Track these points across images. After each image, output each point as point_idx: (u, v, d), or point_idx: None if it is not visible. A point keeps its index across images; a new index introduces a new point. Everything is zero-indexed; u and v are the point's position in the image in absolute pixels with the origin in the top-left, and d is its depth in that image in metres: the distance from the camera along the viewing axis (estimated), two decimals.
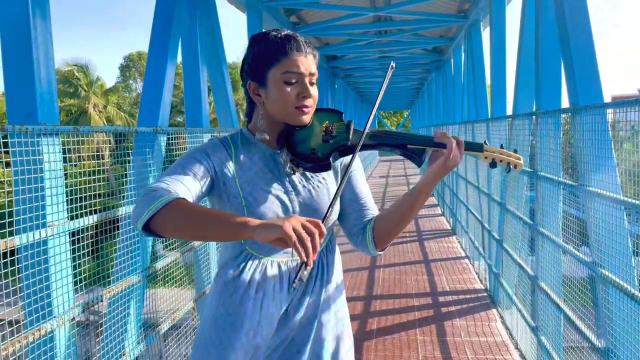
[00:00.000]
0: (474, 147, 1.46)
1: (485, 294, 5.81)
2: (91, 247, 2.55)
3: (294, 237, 1.08)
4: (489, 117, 6.45)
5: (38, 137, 2.12)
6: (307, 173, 1.48)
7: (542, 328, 3.74)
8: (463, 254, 7.74)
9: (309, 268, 1.09)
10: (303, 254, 1.08)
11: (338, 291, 1.57)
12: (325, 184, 1.51)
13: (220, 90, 4.57)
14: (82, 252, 2.43)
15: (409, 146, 1.45)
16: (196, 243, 3.70)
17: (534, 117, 3.93)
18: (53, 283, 2.23)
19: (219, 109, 4.69)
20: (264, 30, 1.47)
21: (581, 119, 2.83)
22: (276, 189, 1.44)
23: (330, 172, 1.53)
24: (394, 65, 1.47)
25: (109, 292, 2.61)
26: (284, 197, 1.44)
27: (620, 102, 2.66)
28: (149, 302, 3.21)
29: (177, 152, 3.51)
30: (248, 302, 1.43)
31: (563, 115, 3.37)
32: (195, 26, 3.98)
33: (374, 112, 1.43)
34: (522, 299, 4.41)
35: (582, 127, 2.82)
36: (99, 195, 2.55)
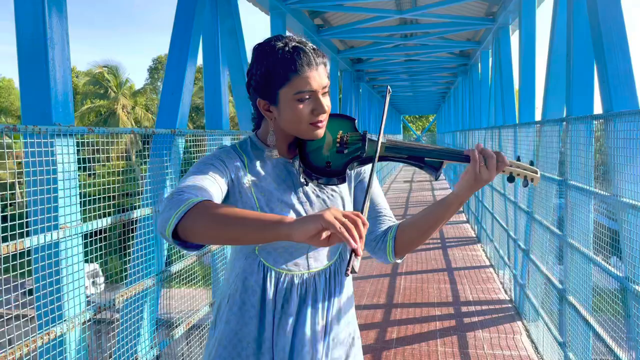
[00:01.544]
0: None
1: (510, 305, 5.63)
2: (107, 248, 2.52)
3: (338, 225, 1.00)
4: (517, 122, 6.28)
5: (52, 138, 2.10)
6: (321, 184, 1.42)
7: (569, 344, 3.58)
8: (487, 263, 7.55)
9: (359, 258, 1.02)
10: (352, 241, 1.00)
11: (349, 302, 1.53)
12: (339, 192, 1.46)
13: (241, 92, 4.53)
14: (102, 251, 2.40)
15: (426, 159, 1.38)
16: (213, 247, 3.66)
17: (564, 123, 3.78)
18: (64, 286, 2.20)
19: (240, 111, 4.66)
20: (268, 38, 1.35)
21: (615, 126, 2.69)
22: (291, 199, 1.38)
23: None
24: (390, 90, 1.41)
25: (122, 295, 2.58)
26: (299, 208, 1.39)
27: None
28: (162, 300, 3.18)
29: (197, 155, 3.48)
30: (265, 316, 1.38)
31: (595, 122, 3.22)
32: (216, 27, 3.94)
33: (382, 133, 1.34)
34: (549, 312, 4.25)
35: (616, 134, 2.68)
36: (124, 195, 2.53)
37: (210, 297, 3.80)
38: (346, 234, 1.00)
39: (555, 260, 4.09)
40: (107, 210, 2.50)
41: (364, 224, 1.03)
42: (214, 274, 3.84)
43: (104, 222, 2.41)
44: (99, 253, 2.44)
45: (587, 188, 3.18)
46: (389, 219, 1.48)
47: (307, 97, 1.29)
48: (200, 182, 1.23)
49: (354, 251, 1.02)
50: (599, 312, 3.13)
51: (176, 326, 3.12)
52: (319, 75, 1.29)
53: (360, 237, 1.01)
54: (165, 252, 3.07)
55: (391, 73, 14.32)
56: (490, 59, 8.98)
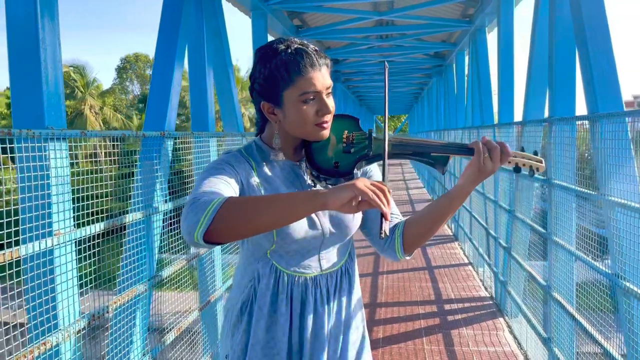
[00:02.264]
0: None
1: (491, 302, 5.73)
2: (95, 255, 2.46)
3: (370, 192, 1.10)
4: (495, 123, 6.39)
5: (45, 142, 2.04)
6: (329, 184, 1.42)
7: (554, 339, 3.66)
8: (466, 261, 7.66)
9: (388, 222, 1.13)
10: (382, 206, 1.10)
11: (359, 303, 1.55)
12: None
13: (226, 93, 4.49)
14: (88, 260, 2.34)
15: (432, 154, 1.38)
16: (202, 250, 3.61)
17: (546, 123, 3.87)
18: (59, 294, 2.14)
19: (225, 112, 4.61)
20: (270, 41, 1.36)
21: (602, 127, 2.76)
22: None
23: None
24: (387, 65, 1.40)
25: (115, 302, 2.52)
26: None
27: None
28: (154, 304, 3.12)
29: (184, 157, 3.43)
30: (281, 319, 1.38)
31: (578, 123, 3.31)
32: (202, 28, 3.89)
33: (387, 119, 1.35)
34: (532, 309, 4.34)
35: (602, 135, 2.75)
36: (106, 200, 2.47)
37: (199, 301, 3.76)
38: (377, 200, 1.10)
39: (539, 258, 4.18)
40: (99, 216, 2.43)
41: (389, 191, 1.13)
42: (202, 277, 3.80)
43: (98, 228, 2.36)
44: (91, 260, 2.38)
45: (572, 187, 3.26)
46: (396, 217, 1.49)
47: (312, 98, 1.29)
48: (215, 186, 1.22)
49: (383, 216, 1.12)
50: (584, 307, 3.21)
51: (167, 332, 3.07)
52: (322, 76, 1.30)
53: (387, 202, 1.12)
54: (156, 257, 3.01)
55: (366, 74, 14.41)
56: (467, 60, 9.12)
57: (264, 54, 1.31)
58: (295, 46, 1.30)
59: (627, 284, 2.48)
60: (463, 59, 10.03)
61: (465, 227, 8.11)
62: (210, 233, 1.08)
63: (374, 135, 1.38)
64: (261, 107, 1.35)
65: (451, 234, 9.57)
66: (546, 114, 4.07)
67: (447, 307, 5.63)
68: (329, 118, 1.34)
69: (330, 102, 1.33)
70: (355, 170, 1.38)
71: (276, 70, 1.28)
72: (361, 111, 25.13)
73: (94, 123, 31.56)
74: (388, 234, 1.14)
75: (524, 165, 1.40)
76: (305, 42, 1.35)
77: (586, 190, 3.01)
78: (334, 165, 1.36)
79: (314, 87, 1.28)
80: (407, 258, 1.47)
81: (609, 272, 2.68)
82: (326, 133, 1.35)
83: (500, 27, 5.75)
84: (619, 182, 2.63)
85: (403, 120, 44.74)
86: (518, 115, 5.58)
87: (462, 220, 8.54)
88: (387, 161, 1.26)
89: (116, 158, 2.51)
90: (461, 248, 8.45)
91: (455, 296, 5.97)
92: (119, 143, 2.73)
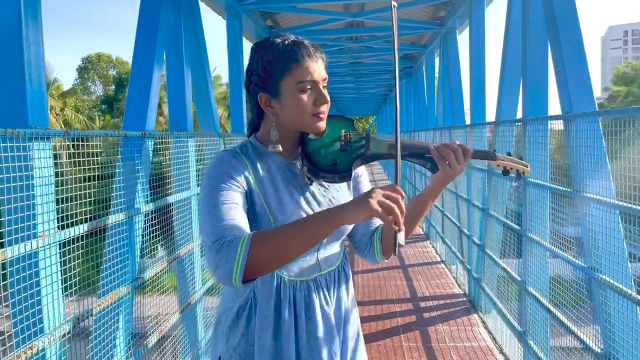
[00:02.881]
0: (488, 156, 1.48)
1: (465, 299, 5.85)
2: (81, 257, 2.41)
3: (384, 214, 1.13)
4: (467, 123, 6.53)
5: (30, 142, 1.99)
6: (325, 182, 1.44)
7: (529, 332, 3.77)
8: (438, 259, 7.80)
9: (402, 232, 1.16)
10: (397, 225, 1.14)
11: (354, 302, 1.57)
12: (343, 191, 1.50)
13: (203, 94, 4.45)
14: (73, 262, 2.29)
15: (426, 155, 1.43)
16: (182, 252, 3.58)
17: (519, 124, 3.98)
18: (44, 297, 2.09)
19: (201, 112, 4.57)
20: (266, 37, 1.39)
21: (576, 127, 2.86)
22: (300, 201, 1.39)
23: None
24: (396, 5, 1.34)
25: (99, 305, 2.47)
26: (308, 209, 1.39)
27: (612, 111, 2.71)
28: (136, 308, 3.07)
29: (163, 158, 3.40)
30: (286, 327, 1.38)
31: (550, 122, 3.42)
32: (180, 28, 3.86)
33: (397, 87, 1.35)
34: (507, 304, 4.45)
35: (577, 134, 2.85)
36: (89, 201, 2.42)
37: (179, 304, 3.71)
38: (391, 219, 1.14)
39: (514, 256, 4.29)
40: (76, 219, 2.38)
41: (402, 197, 1.16)
42: (182, 280, 3.76)
43: (82, 229, 2.31)
44: (75, 262, 2.33)
45: (547, 185, 3.37)
46: (378, 220, 1.52)
47: (309, 87, 1.32)
48: (229, 216, 1.22)
49: (398, 229, 1.16)
50: (560, 304, 3.32)
51: (149, 335, 3.03)
52: (318, 67, 1.33)
53: (402, 213, 1.15)
54: (138, 259, 2.97)
55: (337, 75, 14.47)
56: (437, 62, 9.28)
57: (261, 47, 1.34)
58: (292, 39, 1.34)
59: (603, 276, 2.58)
60: (433, 61, 10.20)
61: (437, 226, 8.24)
62: (247, 275, 1.13)
63: (371, 135, 1.41)
64: (258, 99, 1.35)
65: (423, 232, 9.72)
66: (519, 114, 4.19)
67: (422, 304, 5.72)
68: (325, 109, 1.35)
69: (327, 95, 1.35)
70: (352, 170, 1.40)
71: (274, 60, 1.30)
72: (331, 112, 25.20)
73: (54, 125, 30.68)
74: (404, 244, 1.18)
75: (511, 169, 1.48)
76: (304, 38, 1.38)
77: (561, 187, 3.11)
78: (333, 162, 1.38)
79: (311, 75, 1.31)
80: (386, 260, 1.52)
81: (585, 265, 2.78)
82: (323, 124, 1.36)
83: (472, 29, 5.88)
84: (593, 179, 2.73)
85: (371, 121, 45.11)
86: (489, 116, 5.72)
87: (434, 219, 8.68)
88: (399, 161, 1.28)
89: (79, 159, 2.42)
90: (433, 247, 8.59)
91: (430, 294, 6.07)
92: (83, 143, 2.63)
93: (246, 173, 1.34)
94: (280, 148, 1.37)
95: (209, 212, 1.23)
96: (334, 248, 1.47)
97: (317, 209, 1.40)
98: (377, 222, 1.52)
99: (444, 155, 1.37)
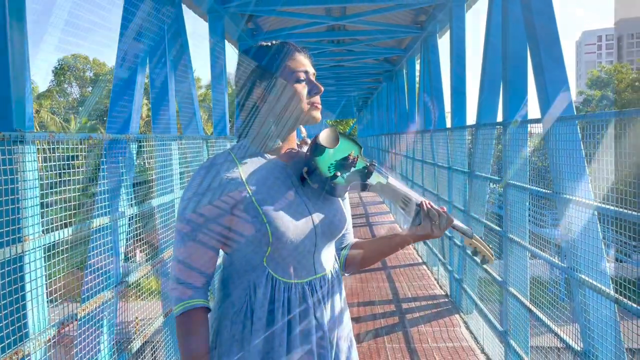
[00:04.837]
0: (465, 232, 1.53)
1: (446, 300, 5.92)
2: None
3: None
4: (448, 126, 6.61)
5: (15, 145, 1.97)
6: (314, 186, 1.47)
7: (511, 332, 3.84)
8: (420, 260, 7.87)
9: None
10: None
11: (345, 304, 1.60)
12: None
13: (185, 96, 4.44)
14: (57, 267, 2.27)
15: (416, 206, 1.48)
16: (165, 255, 3.56)
17: (499, 127, 4.05)
18: (29, 302, 2.07)
19: (184, 115, 4.56)
20: (252, 45, 1.50)
21: (555, 130, 2.94)
22: (293, 201, 1.41)
23: None
24: None
25: (84, 309, 2.45)
26: (303, 209, 1.42)
27: (590, 115, 2.79)
28: (120, 312, 3.05)
29: (147, 160, 3.38)
30: (278, 330, 1.39)
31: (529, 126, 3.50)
32: (163, 31, 3.84)
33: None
34: (488, 304, 4.53)
35: (556, 137, 2.93)
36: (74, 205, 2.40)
37: (162, 308, 3.69)
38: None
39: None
40: (61, 223, 2.37)
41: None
42: (165, 283, 3.73)
43: (66, 233, 2.29)
44: (60, 266, 2.32)
45: (527, 187, 3.44)
46: (349, 237, 1.62)
47: (303, 78, 1.41)
48: (193, 259, 1.36)
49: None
50: (540, 304, 3.39)
51: (133, 339, 3.01)
52: (308, 62, 1.45)
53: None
54: (122, 262, 2.95)
55: (318, 78, 14.42)
56: (418, 66, 9.38)
57: (255, 50, 1.44)
58: (280, 41, 1.46)
59: (582, 275, 2.65)
60: (414, 64, 10.31)
61: None
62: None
63: (374, 165, 1.48)
64: (254, 95, 1.41)
65: None
66: (499, 117, 4.27)
67: (405, 305, 5.77)
68: (319, 100, 1.44)
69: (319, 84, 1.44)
70: (346, 191, 1.48)
71: (268, 57, 1.41)
72: None
73: None
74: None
75: (479, 252, 1.57)
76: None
77: (541, 189, 3.19)
78: (334, 175, 1.43)
79: (303, 66, 1.42)
80: (346, 275, 1.62)
81: (564, 265, 2.85)
82: (319, 115, 1.45)
83: (452, 33, 5.96)
84: (571, 180, 2.81)
85: (352, 124, 45.25)
86: (470, 119, 5.81)
87: None
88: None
89: (54, 163, 2.39)
90: (414, 248, 8.66)
91: (412, 295, 6.13)
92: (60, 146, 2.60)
93: (235, 183, 1.36)
94: (280, 142, 1.43)
95: (180, 239, 1.37)
96: (328, 251, 1.49)
97: (312, 207, 1.43)
98: (349, 238, 1.61)
99: (432, 216, 1.45)
